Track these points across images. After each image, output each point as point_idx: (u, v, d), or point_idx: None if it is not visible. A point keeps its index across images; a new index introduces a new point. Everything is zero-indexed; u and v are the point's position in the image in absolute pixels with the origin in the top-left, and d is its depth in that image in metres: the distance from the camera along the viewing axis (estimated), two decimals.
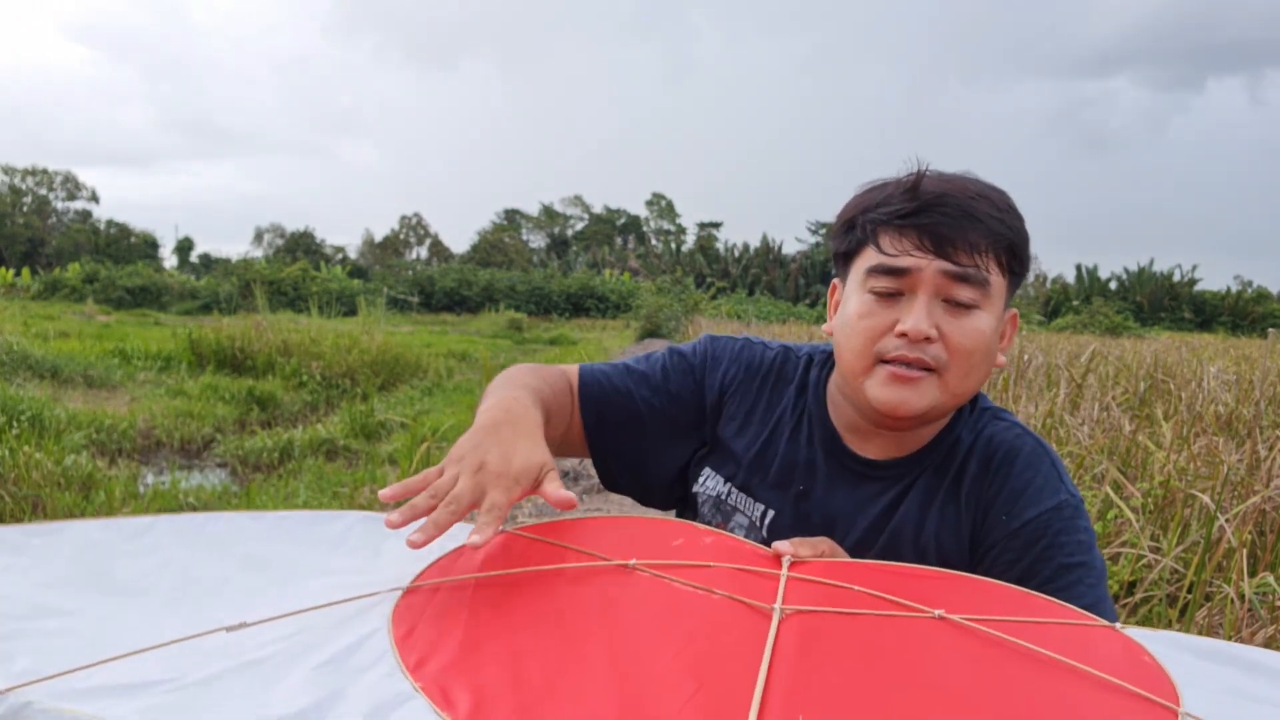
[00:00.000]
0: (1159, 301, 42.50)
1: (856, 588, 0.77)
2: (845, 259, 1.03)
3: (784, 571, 0.81)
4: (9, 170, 52.82)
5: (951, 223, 0.94)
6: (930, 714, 0.63)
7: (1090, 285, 45.51)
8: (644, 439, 1.13)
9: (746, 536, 1.06)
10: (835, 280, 1.08)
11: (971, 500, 1.03)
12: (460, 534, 0.85)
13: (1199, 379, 5.12)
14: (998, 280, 0.96)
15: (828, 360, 1.12)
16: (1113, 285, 45.21)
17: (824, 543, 0.90)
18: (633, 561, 0.79)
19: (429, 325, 26.39)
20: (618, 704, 0.60)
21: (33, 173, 53.69)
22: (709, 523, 1.12)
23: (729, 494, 1.11)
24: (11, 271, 35.79)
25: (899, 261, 0.94)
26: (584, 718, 0.59)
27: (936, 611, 0.72)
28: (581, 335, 23.74)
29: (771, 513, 1.08)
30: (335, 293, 28.12)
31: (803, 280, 51.44)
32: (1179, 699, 0.65)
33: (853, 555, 1.00)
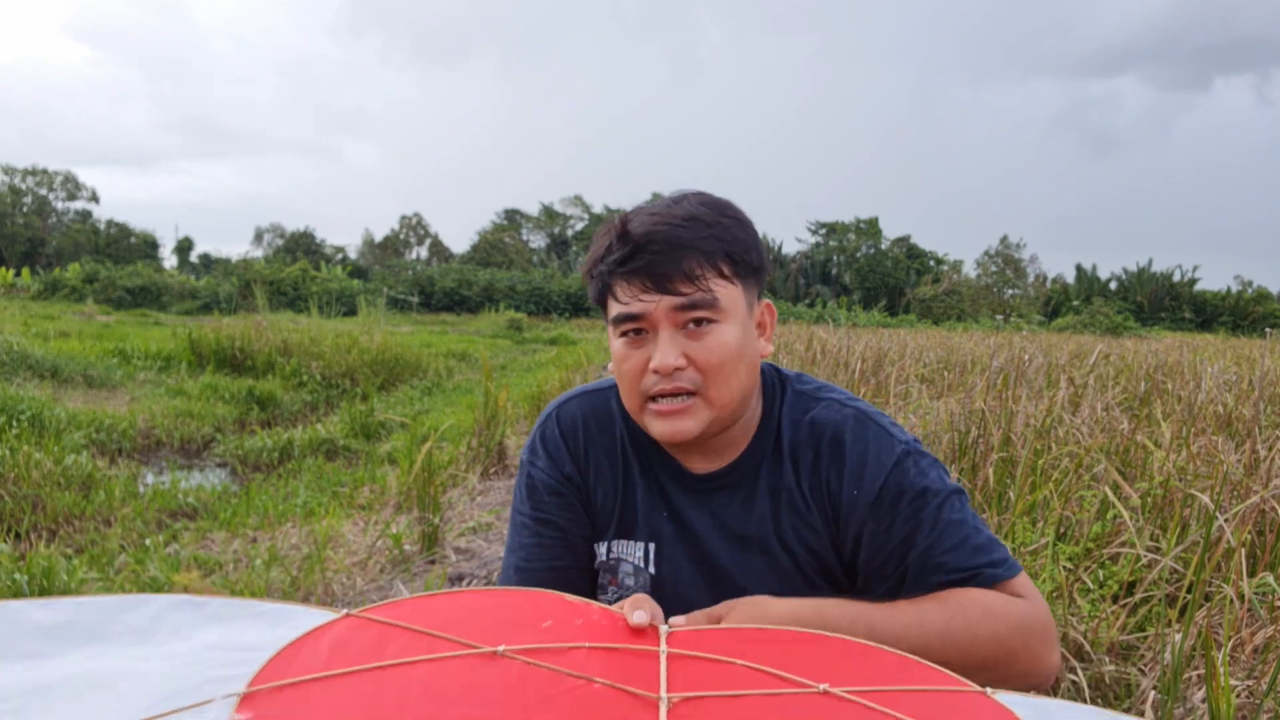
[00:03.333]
0: (1159, 301, 42.46)
1: (740, 662, 0.75)
2: (602, 307, 1.08)
3: (663, 648, 0.77)
4: (9, 170, 52.81)
5: (663, 259, 0.98)
6: None
7: (1090, 285, 45.47)
8: (588, 570, 1.16)
9: (634, 578, 1.10)
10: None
11: (815, 490, 1.06)
12: (296, 625, 0.75)
13: (1198, 379, 5.13)
14: (728, 290, 1.01)
15: None
16: (1113, 285, 45.16)
17: (724, 607, 0.92)
18: (501, 648, 0.72)
19: (429, 325, 26.39)
20: None
21: (33, 173, 53.66)
22: (604, 587, 1.14)
23: (610, 548, 1.14)
24: (11, 271, 35.76)
25: (632, 308, 1.00)
26: None
27: (820, 686, 0.71)
28: (581, 335, 23.73)
29: (652, 545, 1.12)
30: (335, 293, 28.13)
31: (803, 280, 51.42)
32: None
33: (729, 567, 1.05)
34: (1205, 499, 2.48)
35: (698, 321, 0.99)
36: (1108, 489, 2.69)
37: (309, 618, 0.77)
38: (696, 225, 1.00)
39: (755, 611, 0.91)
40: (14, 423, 5.82)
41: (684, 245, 0.98)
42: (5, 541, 3.79)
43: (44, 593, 2.94)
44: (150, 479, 5.63)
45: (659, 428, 1.02)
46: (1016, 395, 3.82)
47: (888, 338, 10.36)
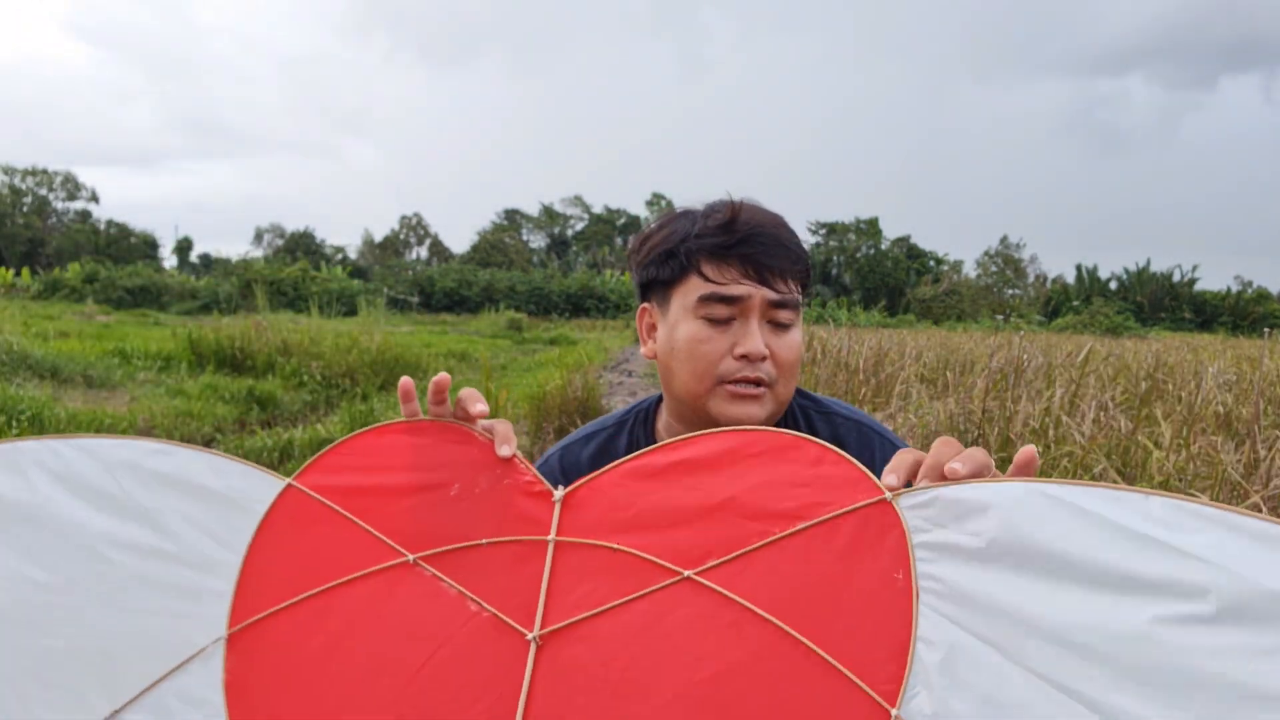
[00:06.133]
0: (1159, 302, 42.48)
1: (616, 546, 0.79)
2: (665, 286, 1.07)
3: (552, 536, 0.82)
4: (9, 170, 52.79)
5: (768, 253, 1.02)
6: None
7: (1090, 285, 45.48)
8: None
9: None
10: (645, 305, 1.12)
11: None
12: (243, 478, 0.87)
13: (1198, 379, 5.12)
14: (798, 299, 1.06)
15: (646, 413, 1.18)
16: (1113, 285, 45.18)
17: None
18: (411, 558, 0.83)
19: (429, 325, 26.37)
20: None
21: (33, 173, 53.65)
22: None
23: None
24: (11, 271, 35.74)
25: (731, 290, 1.01)
26: None
27: (686, 572, 0.76)
28: (581, 335, 23.74)
29: None
30: (335, 293, 28.17)
31: None
32: (903, 680, 0.67)
33: None
34: (1205, 499, 2.48)
35: (781, 322, 1.04)
36: None
37: (262, 486, 0.88)
38: (787, 233, 1.05)
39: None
40: (14, 423, 5.82)
41: (785, 245, 1.03)
42: None
43: None
44: None
45: (734, 410, 1.03)
46: (1016, 395, 3.82)
47: (888, 338, 10.36)
